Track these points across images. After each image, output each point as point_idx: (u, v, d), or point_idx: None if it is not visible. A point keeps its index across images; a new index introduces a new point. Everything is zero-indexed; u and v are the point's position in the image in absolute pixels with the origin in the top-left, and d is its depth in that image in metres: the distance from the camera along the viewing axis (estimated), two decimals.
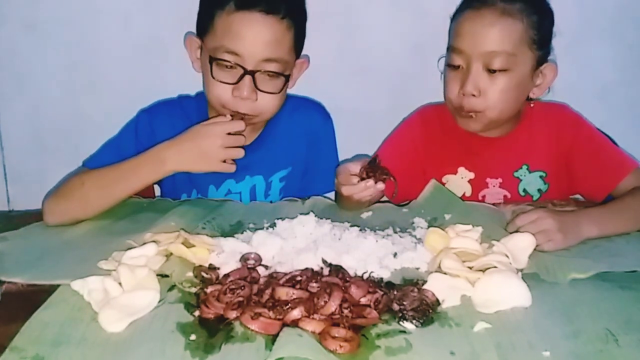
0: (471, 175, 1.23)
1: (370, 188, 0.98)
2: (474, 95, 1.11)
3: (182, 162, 1.04)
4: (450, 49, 1.14)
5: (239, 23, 1.06)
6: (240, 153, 1.06)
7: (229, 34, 1.06)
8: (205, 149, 1.03)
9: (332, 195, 1.28)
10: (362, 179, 0.97)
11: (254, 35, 1.06)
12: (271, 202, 1.19)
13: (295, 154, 1.26)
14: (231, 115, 1.10)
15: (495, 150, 1.22)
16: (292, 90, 1.25)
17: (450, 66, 1.14)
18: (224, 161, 1.06)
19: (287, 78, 1.13)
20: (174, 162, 1.04)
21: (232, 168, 1.06)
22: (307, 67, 1.22)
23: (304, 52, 1.20)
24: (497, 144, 1.22)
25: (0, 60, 1.42)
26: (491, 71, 1.09)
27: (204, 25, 1.11)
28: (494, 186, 1.23)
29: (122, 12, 1.41)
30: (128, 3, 1.40)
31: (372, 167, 0.99)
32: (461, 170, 1.24)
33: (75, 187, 1.05)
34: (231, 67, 1.08)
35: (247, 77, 1.07)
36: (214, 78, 1.09)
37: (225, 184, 1.23)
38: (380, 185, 0.98)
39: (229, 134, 1.05)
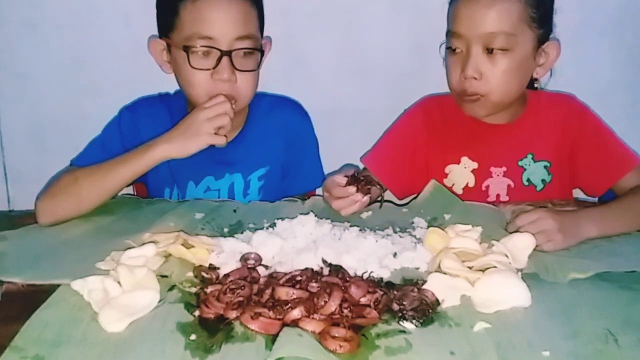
0: (474, 165, 1.22)
1: (358, 202, 1.02)
2: (475, 79, 1.10)
3: (171, 147, 1.05)
4: (449, 33, 1.13)
5: (206, 8, 1.08)
6: (225, 120, 1.06)
7: (198, 20, 1.08)
8: (190, 125, 1.05)
9: None
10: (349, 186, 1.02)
11: (223, 17, 1.08)
12: (250, 201, 1.19)
13: (273, 153, 1.26)
14: None
15: (500, 138, 1.21)
16: (281, 89, 1.24)
17: (450, 51, 1.13)
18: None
19: (262, 53, 1.15)
20: (163, 148, 1.05)
21: (222, 140, 1.06)
22: (270, 48, 1.22)
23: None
24: (501, 131, 1.21)
25: (0, 60, 1.42)
26: (491, 53, 1.08)
27: (168, 22, 1.12)
28: (497, 175, 1.22)
29: (122, 12, 1.41)
30: (128, 3, 1.41)
31: (356, 180, 1.03)
32: (464, 159, 1.23)
33: (68, 184, 1.06)
34: (206, 52, 1.09)
35: (225, 59, 1.09)
36: (192, 67, 1.10)
37: (205, 181, 1.23)
38: (366, 199, 1.02)
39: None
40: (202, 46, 1.08)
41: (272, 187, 1.26)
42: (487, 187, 1.22)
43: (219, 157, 1.21)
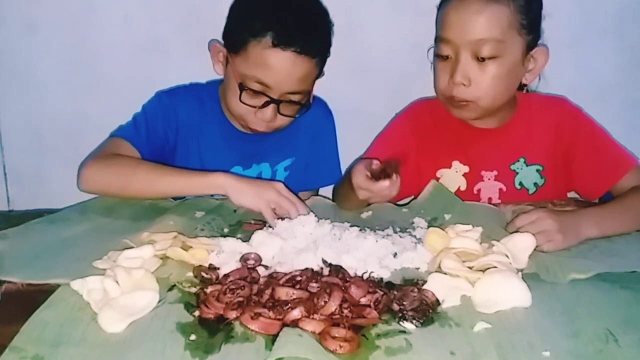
0: (466, 168, 1.22)
1: (386, 190, 0.99)
2: (464, 85, 1.09)
3: (232, 183, 1.03)
4: (438, 39, 1.12)
5: (274, 60, 1.10)
6: (291, 210, 1.00)
7: (261, 66, 1.10)
8: (264, 185, 1.04)
9: (331, 194, 1.28)
10: (377, 179, 0.98)
11: (285, 72, 1.11)
12: None
13: (298, 145, 1.31)
14: (250, 127, 1.18)
15: (491, 142, 1.21)
16: None
17: (439, 57, 1.13)
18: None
19: (309, 106, 1.19)
20: (225, 179, 1.03)
21: (271, 216, 0.99)
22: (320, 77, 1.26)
23: None
24: (492, 135, 1.20)
25: (0, 60, 1.42)
26: (480, 59, 1.08)
27: (235, 44, 1.14)
28: (489, 179, 1.21)
29: (122, 11, 1.41)
30: (128, 3, 1.40)
31: (388, 168, 1.00)
32: (455, 164, 1.22)
33: (125, 164, 1.09)
34: (258, 93, 1.13)
35: (272, 105, 1.14)
36: (242, 102, 1.14)
37: (234, 170, 1.26)
38: (395, 191, 0.99)
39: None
40: (256, 90, 1.12)
41: (297, 179, 1.30)
42: (479, 190, 1.22)
43: (248, 148, 1.27)
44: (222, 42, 1.19)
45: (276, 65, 1.10)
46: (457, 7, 1.09)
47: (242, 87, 1.13)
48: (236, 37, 1.13)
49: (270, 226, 0.98)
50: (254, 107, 1.14)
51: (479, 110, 1.13)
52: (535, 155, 1.21)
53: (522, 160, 1.21)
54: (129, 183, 1.07)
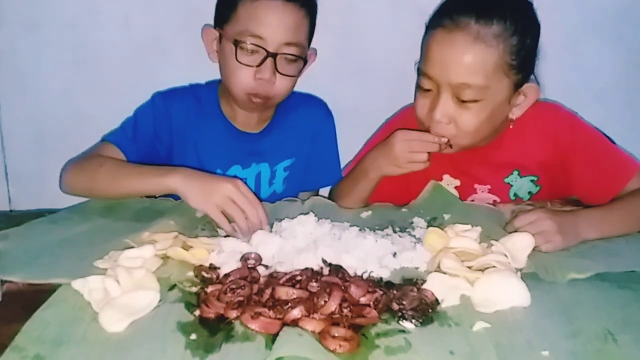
0: (457, 182, 1.20)
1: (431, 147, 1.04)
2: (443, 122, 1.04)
3: (182, 184, 0.99)
4: (420, 71, 1.06)
5: (263, 9, 1.12)
6: (236, 215, 0.97)
7: (253, 19, 1.12)
8: (209, 186, 0.98)
9: (328, 193, 1.29)
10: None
11: (276, 20, 1.12)
12: (275, 191, 1.22)
13: (298, 146, 1.31)
14: (250, 96, 1.16)
15: (482, 158, 1.16)
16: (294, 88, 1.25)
17: (419, 87, 1.07)
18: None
19: (305, 62, 1.19)
20: (177, 180, 1.00)
21: (221, 220, 0.97)
22: (314, 59, 1.26)
23: None
24: (482, 152, 1.15)
25: (1, 60, 1.42)
26: (462, 101, 1.02)
27: (225, 14, 1.16)
28: (482, 192, 1.19)
29: (122, 12, 1.41)
30: (128, 3, 1.41)
31: None
32: (446, 177, 1.20)
33: (93, 165, 1.10)
34: (253, 51, 1.13)
35: (269, 60, 1.13)
36: (238, 61, 1.13)
37: (232, 169, 1.26)
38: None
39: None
40: (251, 43, 1.12)
41: (296, 179, 1.31)
42: (472, 201, 1.19)
43: (247, 147, 1.27)
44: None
45: (266, 14, 1.12)
46: (441, 44, 1.02)
47: (237, 43, 1.13)
48: (225, 6, 1.16)
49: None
50: (251, 66, 1.13)
51: (458, 148, 1.09)
52: (529, 167, 1.17)
53: (515, 172, 1.18)
54: (93, 184, 1.08)
